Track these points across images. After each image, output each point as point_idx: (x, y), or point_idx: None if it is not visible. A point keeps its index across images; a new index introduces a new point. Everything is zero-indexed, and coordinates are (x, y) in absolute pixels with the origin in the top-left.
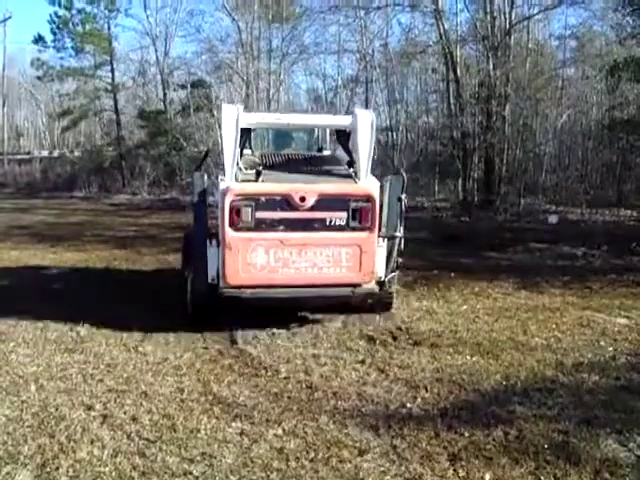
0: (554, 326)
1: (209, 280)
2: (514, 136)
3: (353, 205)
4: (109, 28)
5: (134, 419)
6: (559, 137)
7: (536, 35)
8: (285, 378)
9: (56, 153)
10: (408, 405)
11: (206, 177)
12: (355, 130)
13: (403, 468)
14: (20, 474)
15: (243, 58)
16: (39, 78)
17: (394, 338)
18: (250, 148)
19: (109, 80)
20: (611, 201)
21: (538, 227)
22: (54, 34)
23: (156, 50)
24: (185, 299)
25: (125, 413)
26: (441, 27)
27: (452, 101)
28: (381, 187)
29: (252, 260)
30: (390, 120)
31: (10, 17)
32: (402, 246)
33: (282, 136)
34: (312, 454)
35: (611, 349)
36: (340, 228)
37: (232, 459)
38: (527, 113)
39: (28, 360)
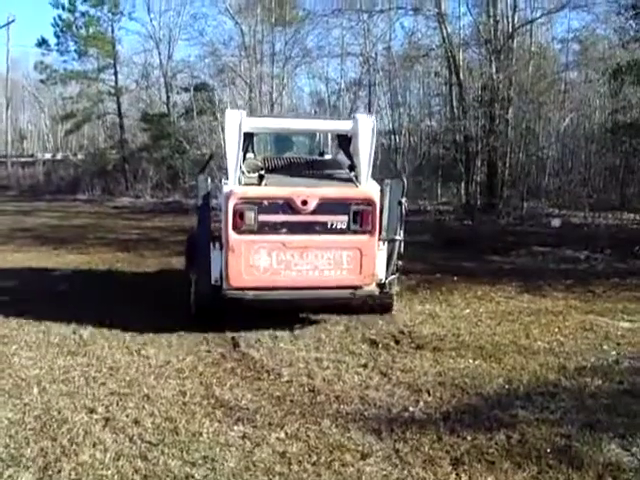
0: (557, 330)
1: (212, 282)
2: (517, 139)
3: (354, 209)
4: (113, 31)
5: (136, 422)
6: (562, 140)
7: (539, 38)
8: (287, 382)
9: (59, 156)
10: (411, 409)
11: (210, 180)
12: (356, 135)
13: (405, 472)
14: (22, 477)
15: (246, 61)
16: (42, 81)
17: (397, 342)
18: (253, 152)
19: (112, 83)
20: (614, 204)
21: (541, 230)
22: (58, 37)
23: (159, 53)
24: (188, 300)
25: (127, 416)
26: (444, 30)
27: (455, 104)
28: (381, 191)
29: (255, 262)
30: (393, 123)
31: (14, 20)
32: (402, 249)
33: (284, 140)
34: (314, 458)
35: (614, 353)
36: (341, 231)
37: (234, 463)
38: (530, 116)
39: (31, 363)
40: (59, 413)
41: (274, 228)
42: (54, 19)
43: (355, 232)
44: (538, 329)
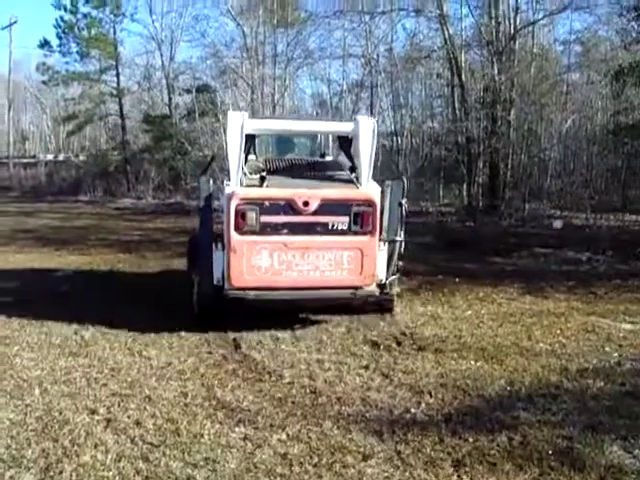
0: (559, 331)
1: (214, 282)
2: (519, 141)
3: (355, 210)
4: (115, 33)
5: (138, 423)
6: (564, 142)
7: (541, 40)
8: (289, 383)
9: (61, 157)
10: (412, 410)
11: (212, 182)
12: (357, 136)
13: (407, 474)
14: (23, 478)
15: (248, 63)
16: (45, 82)
17: (398, 343)
18: (254, 153)
19: (114, 84)
20: (616, 206)
21: (543, 232)
22: (60, 39)
23: (161, 55)
24: (191, 301)
25: (129, 417)
26: (446, 32)
27: (457, 106)
28: (382, 192)
29: (256, 263)
30: (395, 125)
31: (16, 22)
32: (402, 250)
33: (285, 142)
34: (316, 459)
35: (616, 355)
36: (342, 232)
37: (235, 464)
38: (532, 118)
39: (32, 364)
40: (60, 414)
41: (275, 229)
42: (56, 20)
43: (356, 233)
44: (540, 331)
